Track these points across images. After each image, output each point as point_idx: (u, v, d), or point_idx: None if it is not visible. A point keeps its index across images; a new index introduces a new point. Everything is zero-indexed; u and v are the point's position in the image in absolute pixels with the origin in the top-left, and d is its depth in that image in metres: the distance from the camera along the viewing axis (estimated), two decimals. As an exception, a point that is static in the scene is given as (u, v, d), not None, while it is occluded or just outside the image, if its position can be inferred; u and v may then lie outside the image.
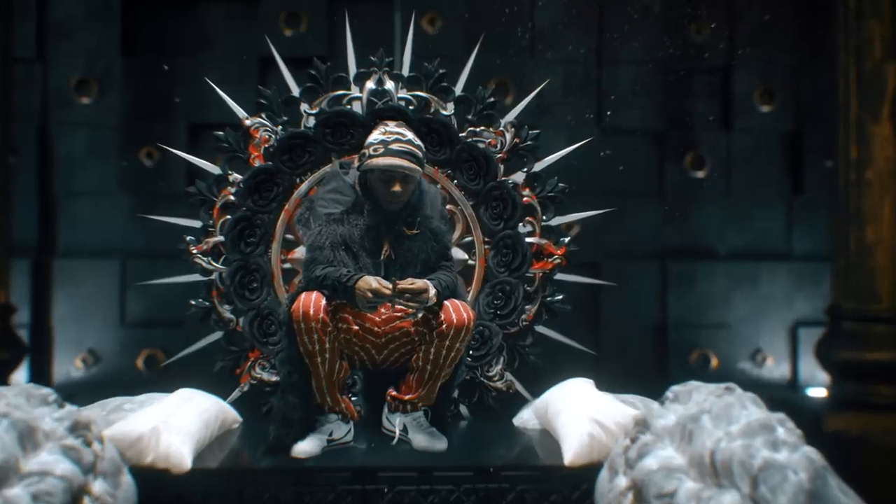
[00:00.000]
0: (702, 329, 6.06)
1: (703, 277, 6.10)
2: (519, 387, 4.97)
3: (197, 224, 5.06)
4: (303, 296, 4.06)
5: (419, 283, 4.07)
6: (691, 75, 6.15)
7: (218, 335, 5.05)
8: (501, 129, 4.99)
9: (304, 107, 5.01)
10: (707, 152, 6.23)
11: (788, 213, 6.27)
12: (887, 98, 5.10)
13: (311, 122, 5.00)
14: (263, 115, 5.02)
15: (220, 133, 5.05)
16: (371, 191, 4.24)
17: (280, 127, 4.88)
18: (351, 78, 5.03)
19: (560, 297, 5.00)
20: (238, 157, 5.02)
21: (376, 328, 4.22)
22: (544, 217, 4.99)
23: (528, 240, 4.98)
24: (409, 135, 4.26)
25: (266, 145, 4.95)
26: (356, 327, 4.17)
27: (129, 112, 5.92)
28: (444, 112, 4.99)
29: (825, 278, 5.77)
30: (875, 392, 5.01)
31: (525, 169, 5.01)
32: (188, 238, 5.02)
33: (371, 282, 4.01)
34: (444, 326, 4.08)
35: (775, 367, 6.25)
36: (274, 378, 4.98)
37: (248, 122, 5.03)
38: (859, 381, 5.05)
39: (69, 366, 5.84)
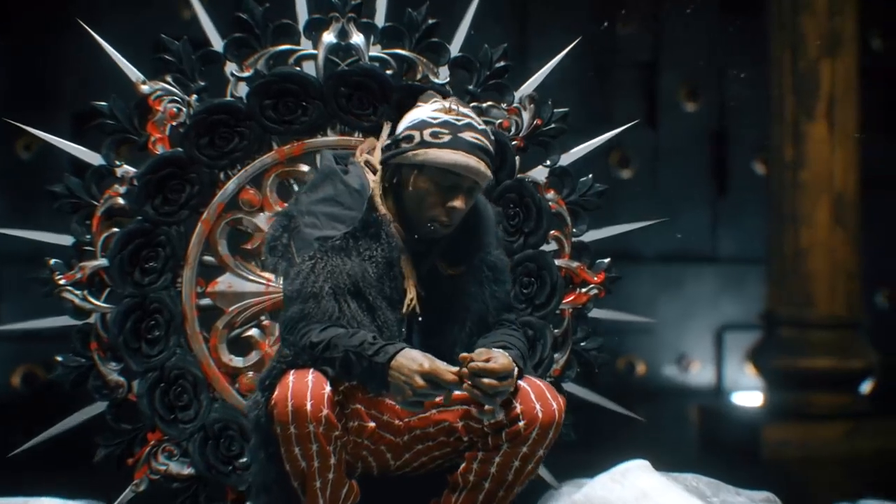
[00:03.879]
0: (627, 334, 5.28)
1: (628, 280, 4.60)
2: (542, 471, 2.83)
3: (67, 241, 2.79)
4: (291, 379, 2.05)
5: (502, 359, 2.04)
6: (616, 72, 5.49)
7: (101, 407, 2.80)
8: (516, 104, 2.86)
9: (230, 67, 2.83)
10: (632, 152, 5.56)
11: (713, 215, 5.69)
12: (823, 97, 4.59)
13: (242, 89, 2.81)
14: (169, 79, 2.83)
15: (101, 103, 2.72)
16: (402, 200, 2.18)
17: (195, 97, 2.80)
18: (300, 27, 2.84)
19: (597, 342, 2.81)
20: (130, 140, 2.80)
21: (397, 420, 2.18)
22: (574, 230, 2.86)
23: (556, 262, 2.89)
24: (481, 122, 2.23)
25: (173, 123, 2.80)
26: (371, 424, 2.14)
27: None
28: (436, 80, 2.85)
29: (752, 281, 5.22)
30: (813, 401, 4.53)
31: (548, 162, 2.89)
32: (52, 262, 2.77)
33: (420, 359, 2.01)
34: (521, 424, 2.09)
35: (700, 373, 5.68)
36: (187, 471, 2.74)
37: (144, 89, 2.75)
38: (797, 389, 4.54)
39: None
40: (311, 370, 2.03)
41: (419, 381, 1.94)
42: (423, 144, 2.12)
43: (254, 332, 2.72)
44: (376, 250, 2.13)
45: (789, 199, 4.99)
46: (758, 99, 5.29)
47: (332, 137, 2.74)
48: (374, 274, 2.11)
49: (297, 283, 2.12)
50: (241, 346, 2.69)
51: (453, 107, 2.17)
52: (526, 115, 2.88)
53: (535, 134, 2.90)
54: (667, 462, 2.86)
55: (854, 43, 5.03)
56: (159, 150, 2.70)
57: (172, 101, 2.72)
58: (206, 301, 2.72)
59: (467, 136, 2.12)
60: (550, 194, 2.92)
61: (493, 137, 2.18)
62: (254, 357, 2.72)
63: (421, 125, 2.15)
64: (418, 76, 2.86)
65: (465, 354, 2.03)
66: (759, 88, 5.25)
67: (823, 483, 4.54)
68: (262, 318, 2.71)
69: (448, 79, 2.87)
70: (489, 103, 2.82)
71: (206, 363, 2.68)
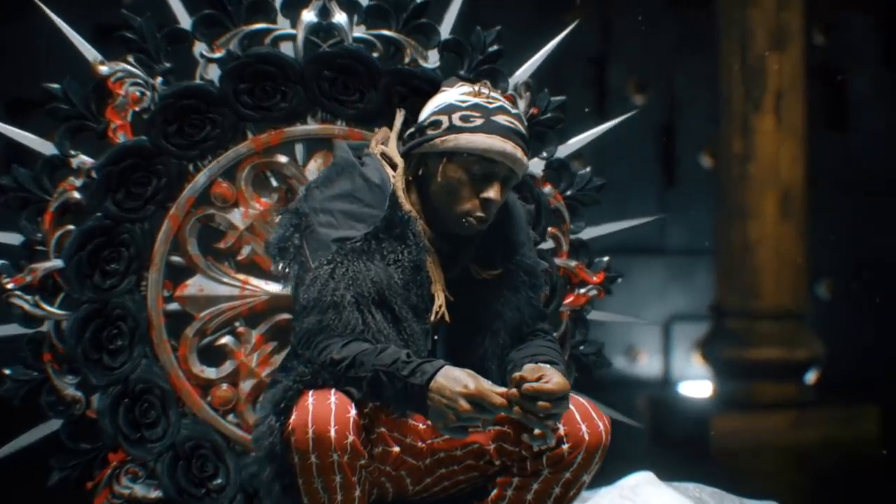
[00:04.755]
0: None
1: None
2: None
3: (15, 239, 2.40)
4: (311, 401, 1.74)
5: (556, 377, 1.74)
6: (564, 65, 5.07)
7: (55, 425, 2.43)
8: (511, 91, 2.56)
9: (199, 48, 2.47)
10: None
11: (662, 207, 5.44)
12: (771, 91, 4.54)
13: (213, 72, 2.45)
14: (131, 59, 2.45)
15: (54, 86, 2.32)
16: (429, 195, 1.88)
17: (160, 79, 2.44)
18: (277, 4, 2.49)
19: (596, 346, 2.52)
20: (86, 128, 2.42)
21: (420, 443, 1.87)
22: (572, 227, 2.59)
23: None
24: (515, 107, 1.94)
25: (136, 109, 2.42)
26: (396, 448, 1.85)
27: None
28: (425, 63, 2.51)
29: (700, 273, 5.09)
30: (760, 391, 4.47)
31: (545, 154, 2.59)
32: (-1, 264, 2.36)
33: (463, 379, 1.71)
34: (565, 447, 1.80)
35: (648, 364, 5.54)
36: (154, 494, 2.40)
37: (103, 70, 2.38)
38: (744, 380, 4.49)
39: None
40: (334, 391, 1.73)
41: (464, 404, 1.65)
42: (453, 129, 1.80)
43: (227, 339, 2.41)
44: (402, 253, 1.81)
45: (737, 192, 5.13)
46: (706, 93, 5.14)
47: (313, 126, 2.43)
48: (399, 280, 1.78)
49: (313, 291, 1.78)
50: (213, 355, 2.39)
51: (483, 90, 1.85)
52: (522, 104, 2.57)
53: (532, 123, 2.58)
54: (616, 454, 2.64)
55: (800, 37, 5.01)
56: (120, 138, 2.36)
57: (135, 83, 2.38)
58: (174, 306, 2.41)
59: (501, 119, 1.81)
60: (547, 188, 2.61)
61: (526, 123, 1.86)
62: (228, 367, 2.41)
63: (449, 109, 1.83)
64: (406, 60, 2.51)
65: (517, 374, 1.71)
66: (707, 82, 5.10)
67: (769, 472, 4.42)
68: (237, 324, 2.41)
69: (438, 63, 2.53)
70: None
71: (174, 375, 2.37)
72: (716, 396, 5.07)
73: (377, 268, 1.79)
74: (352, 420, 1.69)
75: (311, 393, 1.73)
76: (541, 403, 1.68)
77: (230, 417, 2.39)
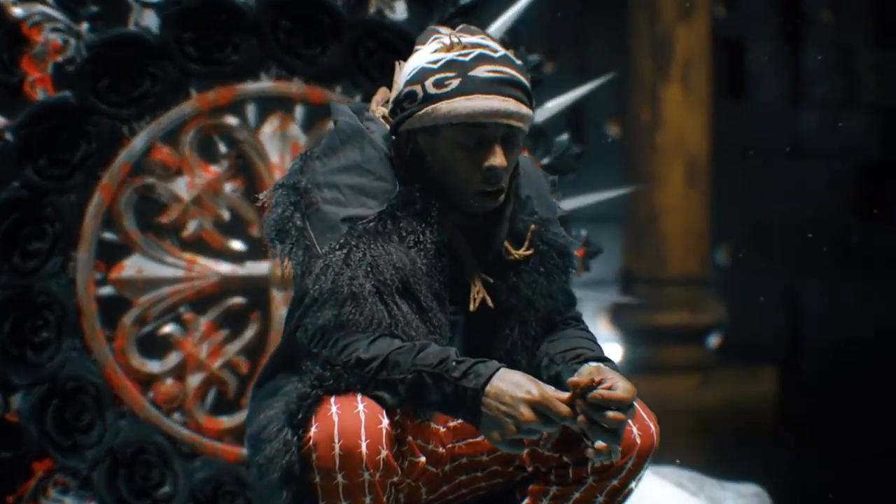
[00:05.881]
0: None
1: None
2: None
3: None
4: (336, 410, 1.37)
5: (622, 383, 1.41)
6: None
7: (-32, 431, 2.09)
8: (484, 50, 2.11)
9: (133, -11, 2.13)
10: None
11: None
12: (678, 61, 4.51)
13: (150, 19, 2.10)
14: (51, 1, 2.06)
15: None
16: (426, 171, 1.51)
17: (86, 25, 2.09)
18: (223, -58, 2.14)
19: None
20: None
21: (440, 448, 1.55)
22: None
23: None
24: (501, 49, 1.54)
25: (58, 59, 2.06)
26: (423, 459, 1.52)
27: None
28: (392, 15, 2.21)
29: (608, 241, 4.54)
30: (667, 355, 4.47)
31: (519, 118, 2.19)
32: None
33: (525, 384, 1.38)
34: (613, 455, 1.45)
35: None
36: (90, 508, 2.11)
37: (16, 12, 2.05)
38: (651, 344, 4.47)
39: None
40: (360, 397, 1.41)
41: (526, 412, 1.36)
42: (428, 100, 1.48)
43: (172, 328, 2.16)
44: (423, 233, 1.48)
45: (645, 161, 5.05)
46: (614, 63, 4.94)
47: (267, 83, 2.16)
48: (423, 265, 1.45)
49: (326, 281, 1.45)
50: (155, 346, 2.14)
51: (454, 39, 1.49)
52: (494, 63, 2.22)
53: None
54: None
55: (707, 9, 5.06)
56: (40, 94, 2.04)
57: (56, 29, 2.05)
58: (108, 291, 2.12)
59: (481, 71, 1.47)
60: (524, 155, 2.28)
61: (518, 62, 1.51)
62: (173, 360, 2.15)
63: (421, 75, 1.49)
64: (372, 9, 2.16)
65: (577, 379, 1.39)
66: (616, 53, 4.90)
67: (674, 434, 4.33)
68: (182, 310, 2.16)
69: (406, 15, 2.17)
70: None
71: (110, 370, 2.09)
72: (624, 361, 5.00)
73: (398, 251, 1.44)
74: (384, 431, 1.39)
75: (333, 400, 1.40)
76: (611, 414, 1.38)
77: (176, 416, 2.14)
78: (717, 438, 4.42)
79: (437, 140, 1.47)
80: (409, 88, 1.48)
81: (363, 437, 1.34)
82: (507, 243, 1.53)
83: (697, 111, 5.00)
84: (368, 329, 1.41)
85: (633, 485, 1.51)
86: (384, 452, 1.35)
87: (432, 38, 1.51)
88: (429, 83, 1.45)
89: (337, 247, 1.44)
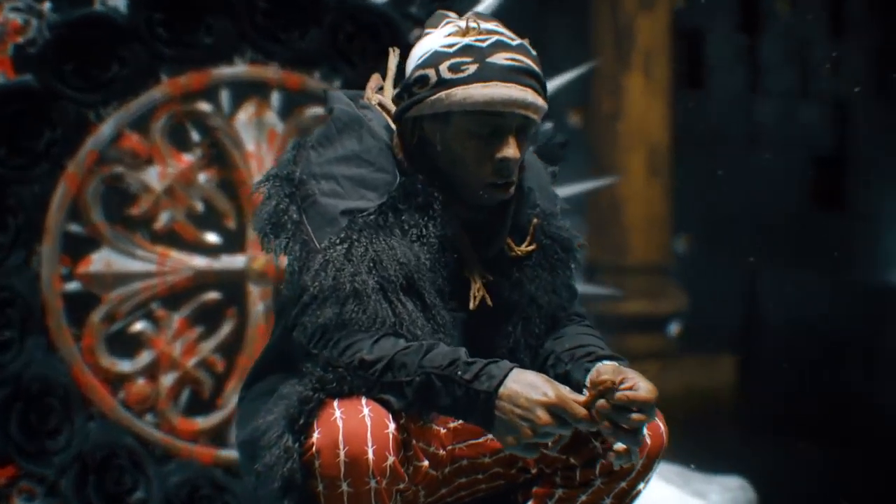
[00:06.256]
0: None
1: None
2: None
3: None
4: (339, 415, 1.29)
5: (643, 382, 1.33)
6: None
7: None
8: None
9: (98, -32, 2.06)
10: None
11: None
12: (640, 51, 4.52)
13: None
14: None
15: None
16: (431, 161, 1.43)
17: (48, 4, 1.98)
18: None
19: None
20: (-47, 64, 1.99)
21: (440, 450, 1.47)
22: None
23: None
24: (516, 37, 1.47)
25: (19, 41, 1.95)
26: (426, 463, 1.44)
27: None
28: (371, -1, 2.17)
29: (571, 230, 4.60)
30: (629, 343, 4.38)
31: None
32: None
33: (541, 385, 1.30)
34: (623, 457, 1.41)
35: None
36: (57, 514, 2.03)
37: None
38: (614, 332, 4.45)
39: None
40: (365, 400, 1.33)
41: (543, 416, 1.28)
42: (443, 84, 1.41)
43: (143, 325, 2.08)
44: (426, 227, 1.41)
45: (607, 150, 5.04)
46: (575, 53, 4.91)
47: (241, 67, 2.09)
48: (427, 261, 1.37)
49: (327, 278, 1.37)
50: (126, 344, 2.06)
51: (472, 24, 1.42)
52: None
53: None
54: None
55: (667, 0, 5.03)
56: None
57: (15, 9, 1.94)
58: (74, 286, 2.04)
59: (499, 58, 1.41)
60: (517, 146, 2.22)
61: (534, 53, 1.44)
62: (145, 358, 2.07)
63: (435, 59, 1.42)
64: (349, -7, 2.06)
65: (599, 379, 1.32)
66: (577, 43, 4.86)
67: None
68: (154, 306, 2.08)
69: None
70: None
71: (78, 370, 2.01)
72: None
73: (401, 246, 1.35)
74: (391, 437, 1.32)
75: (336, 404, 1.32)
76: (635, 416, 1.31)
77: (148, 418, 2.06)
78: (677, 426, 4.48)
79: (448, 127, 1.40)
80: (420, 72, 1.40)
81: (369, 443, 1.27)
82: (509, 239, 1.45)
83: (659, 101, 5.04)
84: (372, 328, 1.33)
85: (641, 486, 1.47)
86: (391, 459, 1.28)
87: (444, 21, 1.44)
88: (443, 67, 1.38)
89: (337, 241, 1.35)
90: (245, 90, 2.07)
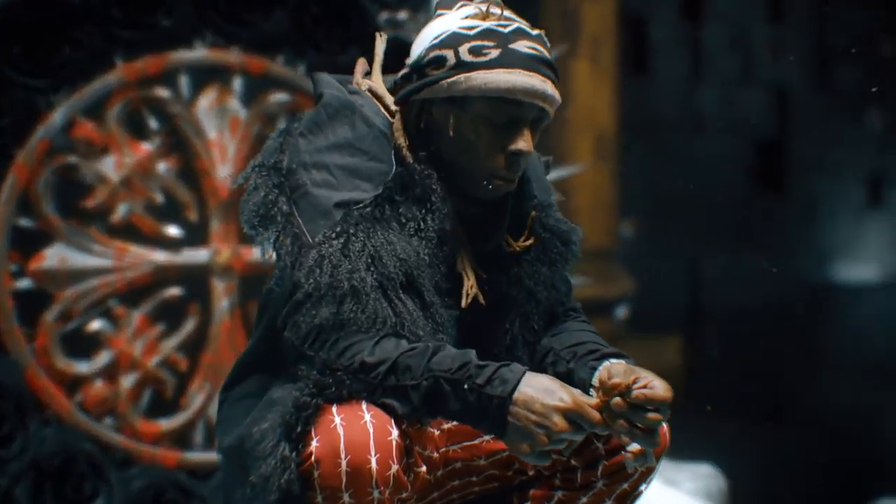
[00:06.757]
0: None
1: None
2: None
3: None
4: (340, 422, 1.19)
5: (658, 381, 1.24)
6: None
7: None
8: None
9: (48, -57, 1.95)
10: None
11: None
12: (587, 37, 4.56)
13: None
14: None
15: None
16: (440, 150, 1.33)
17: None
18: None
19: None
20: None
21: (434, 453, 1.39)
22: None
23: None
24: (530, 26, 1.38)
25: None
26: (423, 468, 1.36)
27: None
28: (337, -20, 2.14)
29: None
30: None
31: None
32: None
33: (557, 390, 1.21)
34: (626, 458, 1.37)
35: None
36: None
37: None
38: None
39: None
40: (366, 406, 1.25)
41: (560, 422, 1.21)
42: (462, 67, 1.32)
43: (101, 324, 2.01)
44: (425, 220, 1.33)
45: (555, 136, 5.07)
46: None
47: (201, 51, 2.04)
48: (426, 256, 1.30)
49: (322, 274, 1.28)
50: (83, 344, 2.01)
51: (493, 10, 1.35)
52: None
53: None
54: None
55: None
56: None
57: None
58: (26, 283, 1.98)
59: (522, 45, 1.34)
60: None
61: (549, 45, 1.37)
62: (103, 359, 2.01)
63: (453, 40, 1.34)
64: (315, -26, 1.99)
65: (615, 381, 1.27)
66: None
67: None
68: (112, 303, 2.02)
69: (352, -19, 2.00)
70: (405, 13, 2.14)
71: (32, 372, 1.95)
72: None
73: (400, 241, 1.28)
74: (394, 444, 1.24)
75: (335, 410, 1.24)
76: (651, 415, 1.26)
77: (108, 421, 2.00)
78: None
79: (463, 113, 1.31)
80: (437, 53, 1.31)
81: (373, 452, 1.19)
82: (509, 235, 1.39)
83: (605, 87, 5.11)
84: (371, 329, 1.25)
85: (642, 487, 1.42)
86: (395, 467, 1.21)
87: (459, 4, 1.36)
88: (463, 49, 1.30)
89: (333, 235, 1.27)
90: (205, 75, 2.02)
